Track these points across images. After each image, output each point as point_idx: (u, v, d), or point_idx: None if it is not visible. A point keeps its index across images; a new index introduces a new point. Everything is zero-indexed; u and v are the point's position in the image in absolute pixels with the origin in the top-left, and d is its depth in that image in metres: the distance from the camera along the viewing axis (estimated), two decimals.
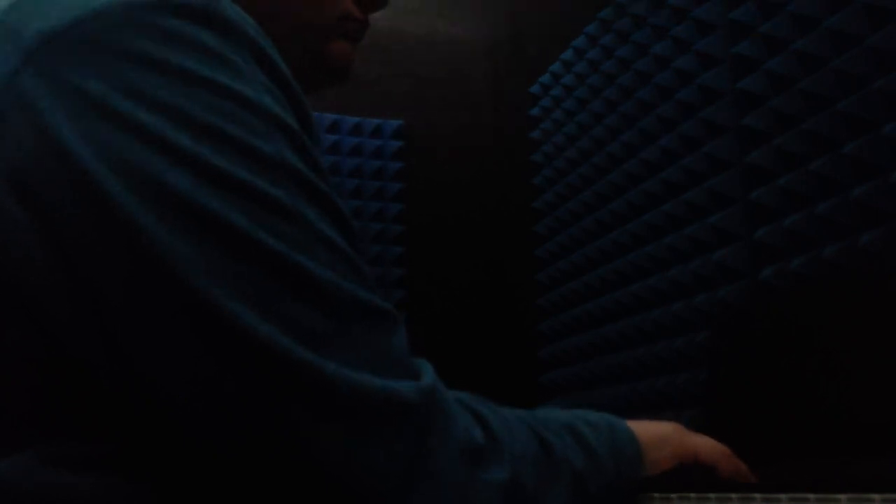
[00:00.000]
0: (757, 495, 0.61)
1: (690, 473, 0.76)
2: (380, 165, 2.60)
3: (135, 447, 0.47)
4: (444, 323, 2.56)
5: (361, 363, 0.48)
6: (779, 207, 1.41)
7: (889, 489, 0.56)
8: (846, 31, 1.28)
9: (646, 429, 0.74)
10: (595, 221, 2.03)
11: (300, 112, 0.53)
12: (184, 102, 0.46)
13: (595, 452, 0.64)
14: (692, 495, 0.71)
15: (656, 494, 0.73)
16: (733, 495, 0.62)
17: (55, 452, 0.46)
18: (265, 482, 0.46)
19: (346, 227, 0.52)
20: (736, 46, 1.52)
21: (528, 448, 0.57)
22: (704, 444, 0.79)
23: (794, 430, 1.07)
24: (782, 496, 0.56)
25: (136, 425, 0.47)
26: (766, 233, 1.43)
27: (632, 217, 1.87)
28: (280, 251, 0.46)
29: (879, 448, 0.90)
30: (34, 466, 0.46)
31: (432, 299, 2.57)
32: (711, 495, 0.69)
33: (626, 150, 1.91)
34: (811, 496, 0.57)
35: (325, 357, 0.46)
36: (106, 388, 0.47)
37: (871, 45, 1.23)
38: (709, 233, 1.58)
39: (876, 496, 0.56)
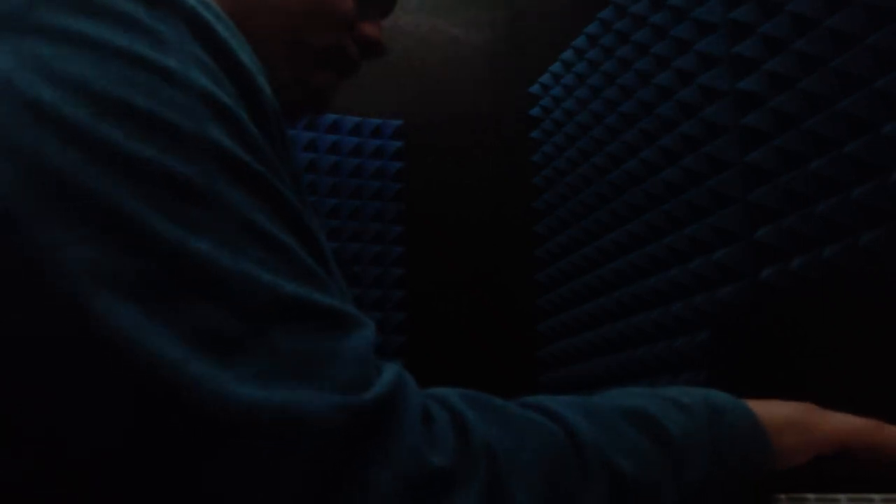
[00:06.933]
0: None
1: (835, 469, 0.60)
2: (380, 165, 2.61)
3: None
4: (444, 323, 2.56)
5: (277, 374, 0.41)
6: (779, 207, 1.41)
7: (889, 489, 0.56)
8: (846, 31, 1.27)
9: (766, 409, 0.59)
10: (595, 221, 2.03)
11: (250, 95, 0.48)
12: (91, 75, 0.43)
13: (675, 445, 0.52)
14: None
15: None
16: None
17: None
18: None
19: (294, 219, 0.46)
20: (736, 46, 1.52)
21: (540, 455, 0.47)
22: (850, 427, 0.60)
23: None
24: (782, 496, 0.56)
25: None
26: (766, 233, 1.43)
27: (632, 217, 1.87)
28: (175, 238, 0.41)
29: None
30: None
31: (432, 299, 2.57)
32: None
33: (626, 150, 1.91)
34: (811, 496, 0.57)
35: (226, 367, 0.40)
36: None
37: (871, 45, 1.23)
38: (709, 233, 1.58)
39: (876, 496, 0.56)
